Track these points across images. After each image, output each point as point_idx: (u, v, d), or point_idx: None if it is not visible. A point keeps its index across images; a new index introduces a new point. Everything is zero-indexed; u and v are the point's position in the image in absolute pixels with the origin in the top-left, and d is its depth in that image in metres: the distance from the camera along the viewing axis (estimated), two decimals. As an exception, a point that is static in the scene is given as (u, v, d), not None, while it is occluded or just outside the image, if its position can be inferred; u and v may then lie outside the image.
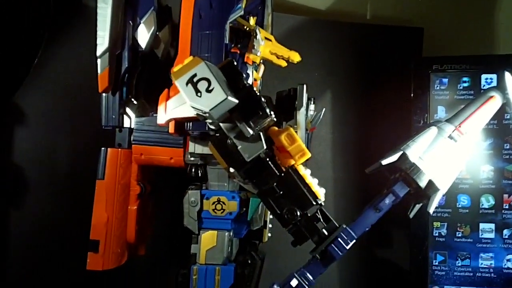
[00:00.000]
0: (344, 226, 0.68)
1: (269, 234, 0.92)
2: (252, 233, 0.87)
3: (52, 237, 0.94)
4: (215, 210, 0.78)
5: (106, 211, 0.78)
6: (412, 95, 0.95)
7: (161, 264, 0.98)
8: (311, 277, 0.67)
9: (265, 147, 0.62)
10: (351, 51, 1.07)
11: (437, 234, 0.93)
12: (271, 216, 0.92)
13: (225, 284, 0.76)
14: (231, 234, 0.80)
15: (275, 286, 0.67)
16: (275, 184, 0.67)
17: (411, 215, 0.74)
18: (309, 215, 0.68)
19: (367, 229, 0.70)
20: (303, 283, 0.67)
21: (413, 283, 0.93)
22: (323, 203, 0.68)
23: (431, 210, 0.69)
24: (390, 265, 1.05)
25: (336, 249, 0.67)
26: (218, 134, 0.65)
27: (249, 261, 0.78)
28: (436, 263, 0.93)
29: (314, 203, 0.67)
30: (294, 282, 0.67)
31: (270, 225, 0.93)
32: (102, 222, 0.78)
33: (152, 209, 0.89)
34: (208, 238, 0.78)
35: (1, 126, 0.93)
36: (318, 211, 0.69)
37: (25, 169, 0.94)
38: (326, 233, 0.68)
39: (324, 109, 0.82)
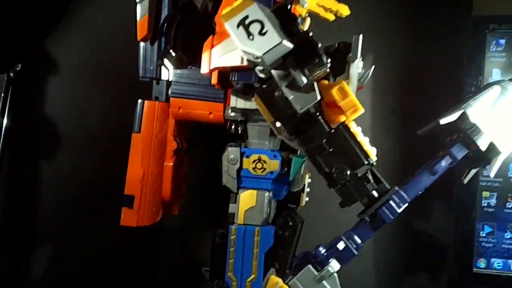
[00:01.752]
0: (397, 188, 0.64)
1: (307, 199, 0.88)
2: (288, 198, 0.83)
3: (85, 192, 0.91)
4: (255, 169, 0.75)
5: (141, 166, 0.75)
6: (465, 57, 0.89)
7: (196, 224, 0.95)
8: (359, 241, 0.64)
9: (318, 97, 0.57)
10: (397, 10, 1.01)
11: (485, 205, 0.88)
12: (309, 180, 0.88)
13: (264, 245, 0.73)
14: (271, 195, 0.76)
15: (320, 248, 0.63)
16: (324, 141, 0.62)
17: (465, 181, 0.70)
18: (359, 175, 0.64)
19: (420, 192, 0.65)
20: (350, 246, 0.63)
21: (458, 256, 0.88)
22: (374, 163, 0.64)
23: (493, 174, 0.64)
24: (431, 238, 1.01)
25: (387, 212, 0.63)
26: (265, 86, 0.61)
27: (290, 223, 0.74)
28: (483, 235, 0.88)
29: (366, 162, 0.63)
30: (341, 245, 0.63)
31: (308, 189, 0.89)
32: (138, 177, 0.74)
33: (187, 167, 0.86)
34: (247, 198, 0.75)
35: (32, 75, 0.90)
36: (369, 172, 0.65)
37: (57, 121, 0.90)
38: (376, 195, 0.64)
39: (373, 66, 0.77)
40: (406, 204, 0.64)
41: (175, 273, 0.95)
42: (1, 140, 0.87)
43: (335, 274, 0.63)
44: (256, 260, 0.73)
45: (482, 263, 0.88)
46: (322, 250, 0.63)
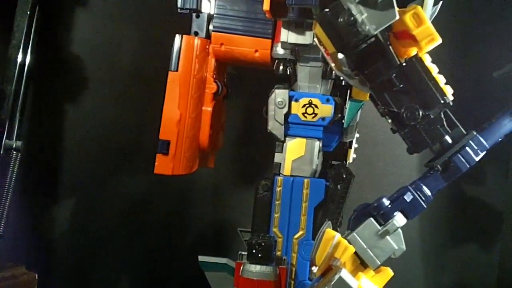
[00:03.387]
0: (474, 133, 0.55)
1: (354, 155, 0.80)
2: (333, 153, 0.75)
3: (113, 140, 0.84)
4: (306, 114, 0.67)
5: (179, 108, 0.67)
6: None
7: (231, 180, 0.88)
8: (428, 192, 0.55)
9: (397, 16, 0.49)
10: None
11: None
12: (357, 135, 0.80)
13: (314, 199, 0.65)
14: (321, 144, 0.68)
15: (384, 199, 0.55)
16: (393, 75, 0.54)
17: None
18: (431, 116, 0.55)
19: (499, 139, 0.56)
20: (419, 198, 0.55)
21: None
22: (451, 103, 0.55)
23: None
24: (482, 203, 0.92)
25: (463, 159, 0.55)
26: (327, 10, 0.52)
27: (344, 175, 0.66)
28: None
29: (442, 102, 0.54)
30: (408, 197, 0.55)
31: (356, 145, 0.81)
32: (174, 120, 0.67)
33: (225, 115, 0.78)
34: (295, 146, 0.67)
35: (59, 9, 0.82)
36: (443, 114, 0.56)
37: (84, 60, 0.82)
38: (450, 140, 0.56)
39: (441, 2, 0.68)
40: (485, 152, 0.55)
41: (208, 233, 0.88)
42: (24, 78, 0.79)
43: (400, 230, 0.54)
44: (305, 215, 0.65)
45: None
46: (386, 202, 0.55)
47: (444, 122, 0.56)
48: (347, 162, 0.76)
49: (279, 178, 0.66)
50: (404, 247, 0.54)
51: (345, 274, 0.51)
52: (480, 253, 0.95)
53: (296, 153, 0.67)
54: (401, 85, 0.54)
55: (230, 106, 0.78)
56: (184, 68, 0.68)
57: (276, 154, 0.68)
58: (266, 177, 0.68)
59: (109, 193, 0.86)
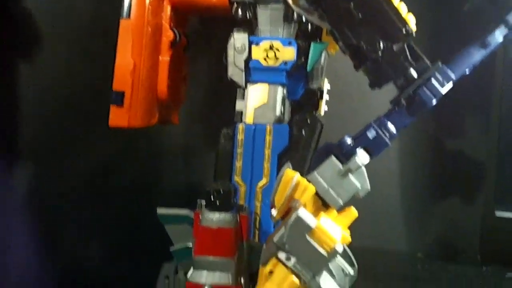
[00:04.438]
0: (440, 63, 0.52)
1: (326, 108, 0.77)
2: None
3: (72, 97, 0.80)
4: (267, 59, 0.64)
5: (132, 57, 0.64)
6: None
7: (200, 138, 0.84)
8: (393, 129, 0.52)
9: None
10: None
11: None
12: (328, 86, 0.77)
13: (277, 146, 0.62)
14: (285, 91, 0.65)
15: (346, 137, 0.52)
16: (352, 5, 0.51)
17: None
18: (394, 49, 0.52)
19: (467, 70, 0.53)
20: (382, 135, 0.52)
21: (499, 171, 0.77)
22: (413, 34, 0.52)
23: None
24: (465, 157, 0.90)
25: (428, 92, 0.52)
26: None
27: (309, 121, 0.63)
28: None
29: (404, 31, 0.51)
30: (371, 133, 0.52)
31: (327, 97, 0.78)
32: (128, 69, 0.64)
33: (187, 68, 0.75)
34: (257, 93, 0.64)
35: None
36: (406, 46, 0.53)
37: (37, 14, 0.78)
38: (415, 74, 0.52)
39: None
40: (451, 84, 0.52)
41: (180, 192, 0.85)
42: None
43: (363, 168, 0.51)
44: (268, 163, 0.62)
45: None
46: (348, 140, 0.52)
47: (408, 55, 0.53)
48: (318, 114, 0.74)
49: (240, 126, 0.63)
50: (368, 186, 0.52)
51: (303, 212, 0.48)
52: (462, 209, 0.93)
53: (258, 100, 0.64)
54: (360, 16, 0.51)
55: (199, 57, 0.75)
56: (137, 15, 0.64)
57: (238, 102, 0.65)
58: (228, 125, 0.64)
59: (71, 156, 0.83)
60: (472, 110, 0.89)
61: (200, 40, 0.78)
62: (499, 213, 0.74)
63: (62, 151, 0.81)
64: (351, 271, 0.75)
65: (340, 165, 0.51)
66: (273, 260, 0.49)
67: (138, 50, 0.64)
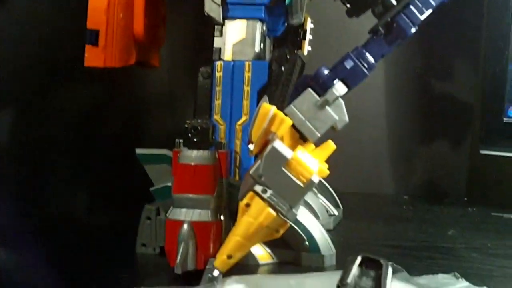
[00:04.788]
0: (419, -10, 0.50)
1: (309, 48, 0.76)
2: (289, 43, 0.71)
3: (52, 41, 0.77)
4: (244, -8, 0.61)
5: (106, -7, 0.61)
6: None
7: (182, 75, 0.83)
8: (371, 59, 0.51)
9: None
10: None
11: (520, 42, 0.75)
12: (311, 25, 0.75)
13: (256, 82, 0.61)
14: (264, 27, 0.63)
15: (322, 68, 0.51)
16: None
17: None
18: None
19: (447, -3, 0.52)
20: (360, 65, 0.50)
21: (486, 106, 0.76)
22: (391, -43, 0.50)
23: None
24: (453, 96, 0.89)
25: (407, 20, 0.50)
26: None
27: (288, 56, 0.61)
28: (517, 78, 0.75)
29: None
30: (348, 63, 0.50)
31: (311, 36, 0.77)
32: (102, 7, 0.62)
33: (165, 8, 0.72)
34: (235, 29, 0.62)
35: None
36: (384, -29, 0.51)
37: None
38: (393, 1, 0.51)
39: None
40: (431, 10, 0.50)
41: (164, 136, 0.83)
42: None
43: (341, 100, 0.50)
44: (248, 100, 0.61)
45: (513, 111, 0.76)
46: (325, 71, 0.50)
47: (386, -20, 0.51)
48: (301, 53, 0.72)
49: (219, 63, 0.61)
50: (346, 118, 0.51)
51: (278, 144, 0.47)
52: (450, 151, 0.92)
53: (236, 36, 0.62)
54: None
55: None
56: None
57: (216, 39, 0.63)
58: (207, 63, 0.63)
59: (52, 103, 0.81)
60: (460, 52, 0.88)
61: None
62: (485, 152, 0.73)
63: (42, 97, 0.79)
64: (335, 211, 0.75)
65: (317, 97, 0.50)
66: (250, 194, 0.48)
67: (112, -13, 0.62)
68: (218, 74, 0.61)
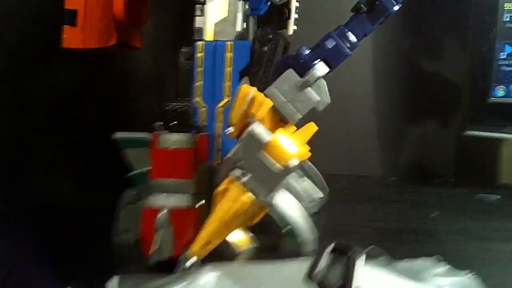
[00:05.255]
0: (403, -35, 0.49)
1: (295, 27, 0.74)
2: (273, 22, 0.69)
3: (33, 24, 0.75)
4: (225, -30, 0.59)
5: (83, -29, 0.59)
6: None
7: (167, 56, 0.81)
8: (353, 37, 0.49)
9: None
10: None
11: (507, 19, 0.73)
12: (297, 4, 0.74)
13: (239, 63, 0.59)
14: (247, 6, 0.61)
15: (303, 48, 0.49)
16: None
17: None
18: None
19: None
20: (342, 44, 0.49)
21: (473, 86, 0.74)
22: None
23: None
24: (441, 76, 0.87)
25: (390, -4, 0.49)
26: None
27: (270, 36, 0.60)
28: (504, 56, 0.74)
29: None
30: (330, 43, 0.49)
31: (296, 15, 0.75)
32: (79, -15, 0.60)
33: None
34: (217, 8, 0.61)
35: None
36: None
37: None
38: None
39: None
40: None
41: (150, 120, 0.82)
42: None
43: (323, 80, 0.49)
44: (229, 81, 0.60)
45: (501, 90, 0.75)
46: (306, 51, 0.49)
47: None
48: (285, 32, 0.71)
49: (200, 43, 0.59)
50: (328, 99, 0.49)
51: (257, 127, 0.46)
52: (438, 130, 0.91)
53: (218, 15, 0.60)
54: None
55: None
56: None
57: (196, 18, 0.61)
58: (188, 44, 0.61)
59: (33, 88, 0.79)
60: (449, 30, 0.86)
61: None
62: (470, 133, 0.72)
63: (22, 80, 0.78)
64: (320, 194, 0.74)
65: (298, 78, 0.49)
66: (229, 178, 0.47)
67: (88, -35, 0.60)
68: (200, 54, 0.60)
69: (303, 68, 0.49)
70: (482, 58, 0.72)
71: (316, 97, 0.49)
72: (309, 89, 0.49)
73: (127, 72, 0.84)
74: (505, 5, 0.71)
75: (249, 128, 0.46)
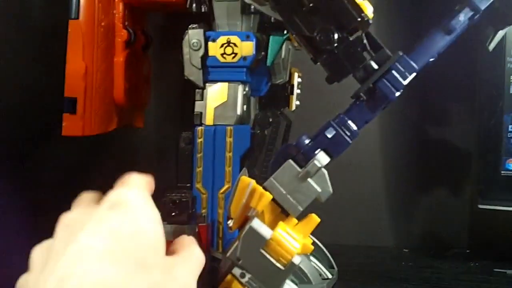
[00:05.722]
0: (401, 53, 0.48)
1: (297, 102, 0.73)
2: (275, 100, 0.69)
3: (32, 106, 0.75)
4: (225, 55, 0.60)
5: (84, 60, 0.60)
6: None
7: (170, 133, 0.81)
8: (353, 126, 0.48)
9: None
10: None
11: (515, 91, 0.72)
12: (299, 79, 0.73)
13: (239, 147, 0.58)
14: (247, 88, 0.61)
15: (304, 137, 0.48)
16: (302, -6, 0.47)
17: (491, 47, 0.54)
18: (351, 39, 0.48)
19: (432, 59, 0.50)
20: (343, 134, 0.48)
21: (483, 160, 0.73)
22: (370, 21, 0.48)
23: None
24: (451, 146, 0.86)
25: (389, 85, 0.48)
26: None
27: (271, 119, 0.59)
28: (513, 129, 0.72)
29: (358, 19, 0.47)
30: (330, 132, 0.48)
31: (299, 91, 0.74)
32: (79, 73, 0.60)
33: (149, 68, 0.71)
34: (216, 92, 0.60)
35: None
36: (364, 36, 0.49)
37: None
38: (375, 65, 0.48)
39: None
40: (414, 74, 0.48)
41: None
42: None
43: (324, 170, 0.48)
44: (230, 167, 0.59)
45: (512, 164, 0.73)
46: (306, 140, 0.48)
47: (367, 45, 0.49)
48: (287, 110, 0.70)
49: (199, 128, 0.59)
50: (330, 189, 0.48)
51: (256, 223, 0.44)
52: (450, 199, 0.89)
53: (218, 99, 0.60)
54: (311, 4, 0.47)
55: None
56: (86, 14, 0.60)
57: (196, 103, 0.61)
58: (188, 128, 0.61)
59: (39, 165, 0.79)
60: (457, 100, 0.85)
61: (167, 37, 0.74)
62: (483, 206, 0.70)
63: (24, 161, 0.77)
64: (329, 274, 0.72)
65: (298, 169, 0.48)
66: (229, 277, 0.45)
67: (89, 53, 0.61)
68: (199, 140, 0.59)
69: (304, 158, 0.48)
70: (490, 130, 0.70)
71: (317, 188, 0.47)
72: (309, 180, 0.47)
73: (129, 149, 0.84)
74: (511, 78, 0.69)
75: (247, 226, 0.44)
